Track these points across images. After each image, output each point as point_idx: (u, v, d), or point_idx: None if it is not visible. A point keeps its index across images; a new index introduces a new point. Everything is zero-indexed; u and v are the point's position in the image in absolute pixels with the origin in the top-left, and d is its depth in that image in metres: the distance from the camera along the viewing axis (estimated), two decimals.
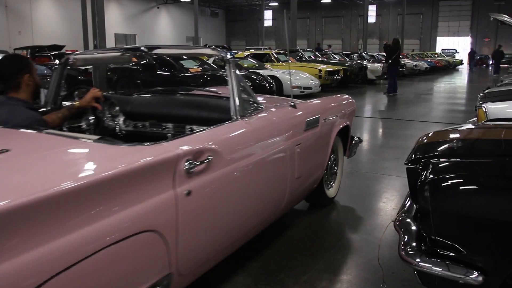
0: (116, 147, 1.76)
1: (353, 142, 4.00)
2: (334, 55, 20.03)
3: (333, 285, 2.54)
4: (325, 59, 17.75)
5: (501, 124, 2.83)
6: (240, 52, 18.95)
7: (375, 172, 4.86)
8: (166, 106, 2.98)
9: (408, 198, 2.23)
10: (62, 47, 17.70)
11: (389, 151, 5.97)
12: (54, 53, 14.05)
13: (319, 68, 13.86)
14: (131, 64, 12.31)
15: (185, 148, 1.86)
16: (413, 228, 1.92)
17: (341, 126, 3.58)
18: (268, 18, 47.08)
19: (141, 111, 2.99)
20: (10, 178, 1.41)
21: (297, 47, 19.47)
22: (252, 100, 2.72)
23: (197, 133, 2.13)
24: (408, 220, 1.99)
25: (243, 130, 2.39)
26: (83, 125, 2.92)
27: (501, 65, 24.05)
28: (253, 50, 22.12)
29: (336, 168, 3.85)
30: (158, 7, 40.20)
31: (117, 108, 2.94)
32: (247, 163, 2.29)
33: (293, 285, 2.52)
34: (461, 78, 23.32)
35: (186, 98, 3.23)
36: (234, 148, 2.23)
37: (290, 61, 14.69)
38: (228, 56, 2.63)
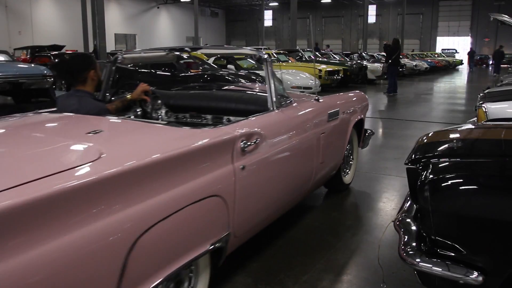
0: (186, 129, 2.20)
1: (367, 134, 4.38)
2: (334, 55, 20.03)
3: (333, 285, 2.54)
4: (325, 59, 17.75)
5: (501, 124, 2.83)
6: None
7: (375, 172, 4.86)
8: (205, 100, 3.40)
9: (408, 198, 2.23)
10: (62, 47, 17.68)
11: (389, 151, 5.97)
12: (54, 53, 14.02)
13: (319, 68, 13.86)
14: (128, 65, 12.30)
15: (240, 131, 2.25)
16: (413, 228, 1.92)
17: (357, 119, 3.98)
18: (268, 18, 47.08)
19: (182, 104, 3.40)
20: (116, 149, 1.79)
21: (297, 47, 19.47)
22: (283, 94, 3.09)
23: (246, 120, 2.49)
24: (408, 220, 1.99)
25: (280, 119, 2.81)
26: (131, 116, 3.18)
27: (501, 65, 24.06)
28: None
29: (351, 157, 4.25)
30: (158, 7, 40.19)
31: (159, 101, 3.27)
32: (284, 146, 2.70)
33: (293, 285, 2.52)
34: (461, 78, 23.32)
35: (222, 92, 3.65)
36: (274, 133, 2.61)
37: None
38: (265, 56, 2.97)
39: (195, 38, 29.20)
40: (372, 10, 39.64)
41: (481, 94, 4.76)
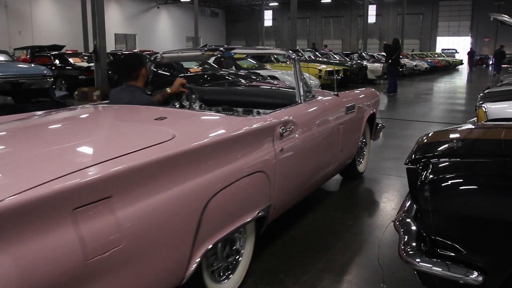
0: (236, 117, 2.73)
1: (378, 127, 4.82)
2: (334, 55, 20.03)
3: (333, 285, 2.54)
4: (325, 59, 17.75)
5: (501, 124, 2.83)
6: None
7: (375, 172, 4.86)
8: (235, 95, 3.80)
9: (408, 198, 2.23)
10: (62, 47, 17.69)
11: (389, 151, 5.97)
12: (54, 53, 14.01)
13: (319, 68, 13.86)
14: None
15: (279, 119, 2.67)
16: (413, 228, 1.92)
17: (370, 113, 4.43)
18: (268, 18, 47.06)
19: (215, 99, 3.75)
20: (184, 132, 2.18)
21: (297, 47, 19.47)
22: (308, 89, 3.47)
23: (282, 110, 2.89)
24: (408, 220, 1.99)
25: (307, 110, 3.21)
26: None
27: (502, 65, 24.10)
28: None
29: (364, 148, 4.68)
30: (158, 7, 40.18)
31: (194, 96, 3.58)
32: (311, 133, 3.11)
33: (293, 285, 2.52)
34: (461, 78, 23.33)
35: (250, 88, 4.18)
36: (304, 122, 3.00)
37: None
38: (293, 55, 3.36)
39: (195, 38, 29.18)
40: (372, 10, 39.62)
41: (481, 94, 4.76)
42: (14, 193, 1.33)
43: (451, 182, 1.83)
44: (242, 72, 11.07)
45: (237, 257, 2.46)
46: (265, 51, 5.08)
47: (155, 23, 40.08)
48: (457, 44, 41.89)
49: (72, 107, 3.13)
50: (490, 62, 36.76)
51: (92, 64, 12.30)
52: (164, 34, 40.68)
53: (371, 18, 39.49)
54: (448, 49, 38.61)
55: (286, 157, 2.67)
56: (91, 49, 14.99)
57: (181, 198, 1.84)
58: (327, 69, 13.94)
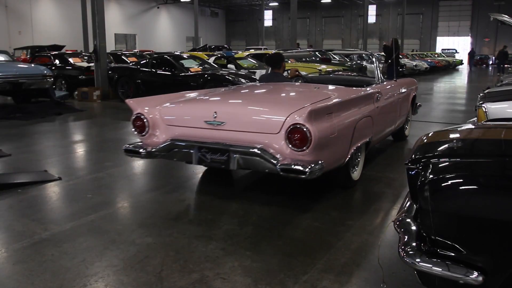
0: (357, 88, 4.62)
1: (417, 105, 6.81)
2: (334, 55, 20.01)
3: (333, 285, 2.54)
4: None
5: (501, 124, 2.83)
6: (240, 52, 18.93)
7: (375, 172, 4.86)
8: (331, 81, 5.61)
9: (408, 198, 2.23)
10: (62, 47, 17.68)
11: (389, 150, 5.96)
12: (54, 53, 14.00)
13: (319, 68, 13.85)
14: (131, 64, 12.31)
15: (376, 90, 4.73)
16: (413, 228, 1.92)
17: (413, 94, 6.46)
18: (268, 18, 47.05)
19: (317, 82, 5.63)
20: (336, 91, 4.38)
21: (298, 48, 19.46)
22: (381, 76, 5.42)
23: (374, 86, 4.98)
24: (408, 220, 1.99)
25: (385, 87, 5.18)
26: None
27: (504, 65, 24.13)
28: (253, 50, 22.10)
29: (409, 119, 6.62)
30: (158, 7, 40.18)
31: (300, 81, 5.53)
32: (388, 101, 5.06)
33: (293, 285, 2.52)
34: (461, 78, 23.32)
35: (341, 76, 6.64)
36: (384, 93, 4.92)
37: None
38: (375, 54, 5.66)
39: (195, 38, 29.19)
40: (372, 10, 39.61)
41: (481, 94, 4.76)
42: (307, 103, 3.50)
43: (451, 182, 1.83)
44: (242, 72, 11.09)
45: (357, 160, 4.32)
46: (350, 52, 8.58)
47: (155, 23, 40.08)
48: (457, 44, 41.87)
49: (250, 83, 5.61)
50: (490, 62, 36.75)
51: (92, 64, 12.29)
52: (164, 34, 40.68)
53: (371, 18, 39.48)
54: (448, 49, 38.59)
55: (378, 111, 4.59)
56: (91, 49, 14.98)
57: (348, 120, 3.80)
58: (327, 69, 13.93)
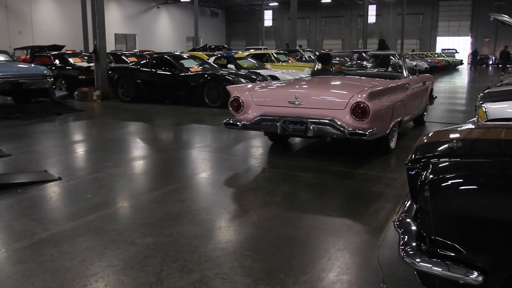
0: (390, 80, 6.13)
1: (433, 96, 8.19)
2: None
3: (333, 285, 2.54)
4: None
5: (501, 124, 2.83)
6: (240, 52, 18.94)
7: (375, 172, 4.86)
8: (368, 75, 6.66)
9: (408, 198, 2.23)
10: (62, 47, 17.68)
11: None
12: (54, 53, 13.99)
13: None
14: (131, 64, 12.31)
15: (405, 82, 6.20)
16: (413, 228, 1.92)
17: (431, 87, 7.80)
18: (268, 18, 47.04)
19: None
20: (377, 82, 5.74)
21: (298, 47, 19.47)
22: (407, 71, 6.67)
23: (399, 79, 6.23)
24: (408, 220, 1.99)
25: (411, 80, 6.45)
26: None
27: (506, 65, 24.19)
28: (253, 50, 22.11)
29: (427, 108, 7.86)
30: (158, 7, 40.17)
31: (342, 74, 6.68)
32: (413, 90, 6.32)
33: (293, 285, 2.52)
34: (461, 78, 23.31)
35: (371, 71, 7.43)
36: (411, 84, 6.26)
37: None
38: (402, 54, 8.22)
39: (195, 38, 29.19)
40: (372, 10, 39.60)
41: (481, 94, 4.76)
42: (369, 87, 5.11)
43: (451, 182, 1.83)
44: (242, 72, 11.09)
45: (393, 134, 5.63)
46: (380, 52, 9.79)
47: (155, 23, 40.07)
48: (457, 44, 41.86)
49: (306, 77, 7.15)
50: (490, 62, 36.74)
51: (92, 64, 12.29)
52: (164, 34, 40.68)
53: (371, 18, 39.48)
54: (448, 49, 38.58)
55: (408, 98, 5.94)
56: (91, 49, 14.99)
57: (389, 102, 5.16)
58: None
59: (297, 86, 5.62)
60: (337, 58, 10.66)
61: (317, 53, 19.40)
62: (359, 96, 4.79)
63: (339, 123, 4.83)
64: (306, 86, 5.72)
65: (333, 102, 5.04)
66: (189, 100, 10.61)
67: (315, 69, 6.96)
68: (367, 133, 4.66)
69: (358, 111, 4.74)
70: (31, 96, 10.61)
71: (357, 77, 6.46)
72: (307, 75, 7.65)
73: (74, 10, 26.87)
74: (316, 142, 6.44)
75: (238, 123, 5.29)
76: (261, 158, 5.54)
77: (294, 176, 4.76)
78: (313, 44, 45.36)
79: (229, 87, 5.67)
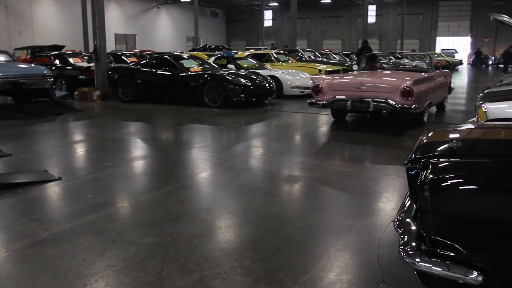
0: (425, 73, 8.25)
1: (451, 87, 10.19)
2: (334, 55, 20.02)
3: (333, 285, 2.54)
4: (325, 59, 17.74)
5: (501, 124, 2.83)
6: (240, 52, 18.94)
7: (375, 172, 4.86)
8: (405, 70, 9.23)
9: (408, 198, 2.23)
10: (62, 47, 17.67)
11: (389, 151, 5.97)
12: (54, 53, 13.98)
13: (319, 68, 13.86)
14: (131, 64, 12.30)
15: (437, 73, 8.64)
16: (413, 228, 1.92)
17: (450, 80, 9.64)
18: (268, 18, 47.00)
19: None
20: (415, 76, 7.53)
21: (297, 47, 19.47)
22: (432, 67, 8.74)
23: (431, 72, 8.41)
24: (408, 220, 1.99)
25: (436, 73, 8.52)
26: None
27: (508, 65, 24.24)
28: (253, 50, 22.11)
29: (447, 97, 9.77)
30: (158, 7, 40.16)
31: (381, 70, 9.15)
32: (439, 81, 8.42)
33: (293, 285, 2.52)
34: (461, 78, 23.30)
35: (405, 67, 10.00)
36: (438, 76, 8.44)
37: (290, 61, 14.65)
38: (430, 55, 10.65)
39: (195, 38, 29.17)
40: (372, 10, 39.51)
41: (481, 94, 4.76)
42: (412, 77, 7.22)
43: (451, 182, 1.83)
44: (242, 72, 11.09)
45: (426, 112, 7.74)
46: (410, 53, 11.68)
47: (155, 23, 40.06)
48: (456, 44, 41.85)
49: (358, 71, 8.99)
50: (490, 62, 36.71)
51: (92, 64, 12.29)
52: (164, 34, 40.66)
53: (371, 18, 39.41)
54: (448, 49, 38.57)
55: (435, 86, 7.91)
56: (91, 49, 14.99)
57: (425, 88, 7.29)
58: (327, 69, 13.94)
59: (360, 77, 7.63)
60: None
61: (319, 52, 19.40)
62: (407, 82, 6.86)
63: (391, 101, 6.91)
64: (367, 77, 7.70)
65: (388, 87, 7.12)
66: (189, 100, 10.61)
67: (363, 66, 9.18)
68: (412, 107, 6.81)
69: (406, 93, 6.80)
70: (31, 96, 10.61)
71: (397, 71, 9.06)
72: (355, 71, 9.46)
73: (74, 10, 26.87)
74: (319, 145, 6.42)
75: (318, 102, 7.52)
76: (261, 158, 5.54)
77: (294, 176, 4.76)
78: (313, 44, 45.33)
79: (313, 77, 8.29)
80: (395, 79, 7.27)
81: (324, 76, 8.07)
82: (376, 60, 9.36)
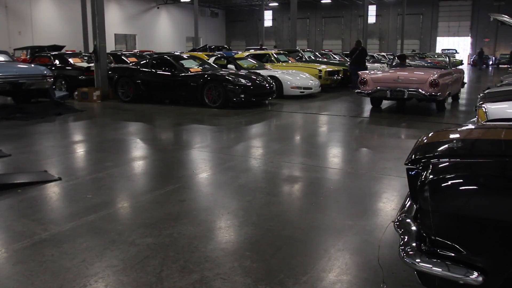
0: (438, 69, 10.31)
1: (464, 82, 12.19)
2: (334, 55, 20.03)
3: (333, 285, 2.54)
4: (325, 60, 17.74)
5: (501, 124, 2.83)
6: (240, 52, 18.94)
7: (375, 172, 4.86)
8: (429, 67, 11.91)
9: (408, 198, 2.23)
10: (62, 47, 17.67)
11: (389, 151, 5.97)
12: (54, 53, 13.98)
13: (319, 68, 13.86)
14: (131, 64, 12.30)
15: (454, 70, 11.11)
16: (413, 228, 1.92)
17: (463, 76, 11.84)
18: (268, 18, 47.04)
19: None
20: (440, 73, 9.54)
21: (297, 47, 19.47)
22: (451, 66, 11.12)
23: (449, 69, 10.62)
24: (408, 220, 1.99)
25: (454, 70, 10.91)
26: None
27: (505, 66, 24.29)
28: (253, 50, 22.11)
29: (460, 89, 12.00)
30: (158, 7, 40.18)
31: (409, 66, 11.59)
32: (455, 77, 10.54)
33: (293, 285, 2.52)
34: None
35: (429, 65, 13.62)
36: (454, 72, 10.72)
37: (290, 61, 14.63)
38: (448, 55, 15.32)
39: (195, 38, 29.18)
40: (372, 10, 39.57)
41: (481, 95, 4.76)
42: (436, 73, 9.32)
43: (451, 182, 1.83)
44: (242, 72, 11.09)
45: (447, 100, 10.31)
46: (442, 53, 14.02)
47: (155, 23, 40.08)
48: (457, 45, 41.87)
49: (391, 68, 11.02)
50: (490, 63, 36.74)
51: (92, 64, 12.29)
52: (164, 34, 40.69)
53: (371, 18, 39.45)
54: (448, 49, 38.59)
55: (453, 80, 10.00)
56: (91, 49, 14.98)
57: (447, 81, 9.38)
58: (327, 70, 13.94)
59: (397, 73, 9.50)
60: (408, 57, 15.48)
61: (320, 51, 19.38)
62: (434, 76, 8.81)
63: (421, 91, 8.80)
64: (403, 72, 9.62)
65: (419, 79, 9.01)
66: (189, 100, 10.61)
67: (394, 63, 11.66)
68: (438, 95, 8.74)
69: (434, 84, 8.71)
70: (31, 96, 10.61)
71: (423, 67, 11.35)
72: (386, 68, 12.07)
73: (74, 10, 26.89)
74: (319, 145, 6.42)
75: (364, 91, 9.52)
76: (261, 159, 5.54)
77: (294, 176, 4.77)
78: (313, 45, 45.37)
79: (360, 72, 10.00)
80: (424, 74, 9.16)
81: (367, 72, 10.25)
82: (405, 60, 11.76)
